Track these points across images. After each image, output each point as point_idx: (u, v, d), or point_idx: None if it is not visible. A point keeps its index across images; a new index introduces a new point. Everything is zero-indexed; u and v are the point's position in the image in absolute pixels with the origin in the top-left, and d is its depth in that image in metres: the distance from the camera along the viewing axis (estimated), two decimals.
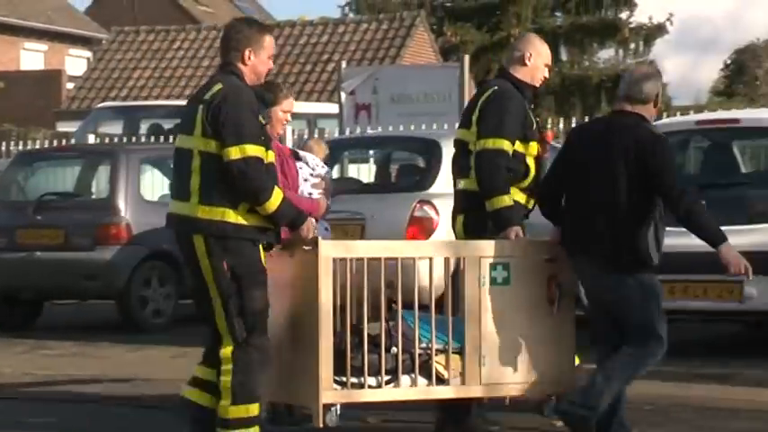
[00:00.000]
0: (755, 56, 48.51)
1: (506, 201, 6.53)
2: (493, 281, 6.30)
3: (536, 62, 6.84)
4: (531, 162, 6.73)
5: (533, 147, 6.75)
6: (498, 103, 6.67)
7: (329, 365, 5.93)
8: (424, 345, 6.15)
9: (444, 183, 10.34)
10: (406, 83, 15.68)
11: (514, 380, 6.33)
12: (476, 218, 6.66)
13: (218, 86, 5.84)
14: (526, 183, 6.72)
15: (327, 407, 6.05)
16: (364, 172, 13.57)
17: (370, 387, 6.06)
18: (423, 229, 9.99)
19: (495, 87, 6.78)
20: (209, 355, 5.97)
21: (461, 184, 6.81)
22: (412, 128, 13.66)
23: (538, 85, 6.92)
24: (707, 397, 7.65)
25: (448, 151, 10.67)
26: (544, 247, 6.43)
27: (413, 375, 6.12)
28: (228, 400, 5.79)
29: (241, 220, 5.78)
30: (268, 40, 6.02)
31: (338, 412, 6.47)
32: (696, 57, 79.56)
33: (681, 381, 8.07)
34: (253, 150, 5.75)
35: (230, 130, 5.74)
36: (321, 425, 5.97)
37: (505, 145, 6.59)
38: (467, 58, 15.99)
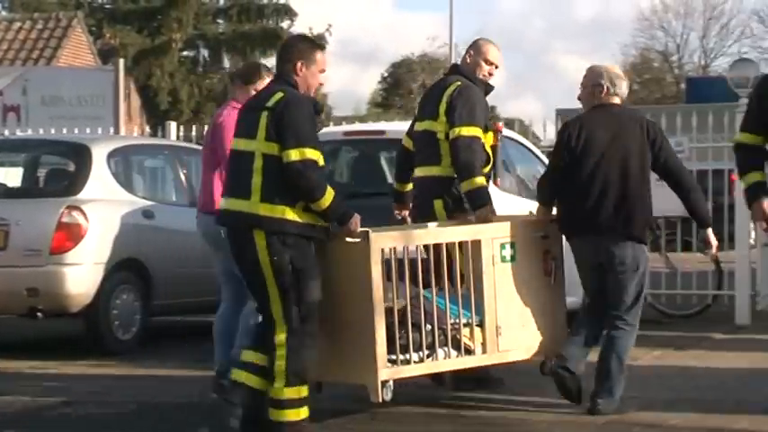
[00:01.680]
0: (410, 70, 50.36)
1: (481, 182, 7.33)
2: (503, 258, 7.03)
3: (475, 59, 7.67)
4: (489, 150, 7.52)
5: (491, 137, 7.60)
6: (467, 95, 7.43)
7: (384, 345, 6.49)
8: (452, 321, 6.80)
9: (95, 188, 10.13)
10: (58, 85, 15.26)
11: (523, 345, 7.13)
12: (453, 200, 7.47)
13: (279, 95, 6.38)
14: (487, 168, 7.53)
15: (384, 383, 6.54)
16: (12, 176, 13.06)
17: (414, 362, 6.68)
18: (71, 235, 9.71)
19: (459, 82, 7.51)
20: (259, 341, 6.44)
21: (434, 170, 7.50)
22: (64, 131, 13.29)
23: (482, 77, 7.67)
24: None
25: (99, 156, 10.51)
26: (539, 225, 7.23)
27: (446, 349, 6.78)
28: (282, 383, 6.31)
29: (298, 218, 6.30)
30: (320, 56, 6.60)
31: (392, 387, 6.72)
32: (357, 69, 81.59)
33: None
34: (311, 153, 6.28)
35: (291, 133, 6.27)
36: (380, 400, 6.54)
37: (479, 132, 7.39)
38: (122, 61, 15.71)
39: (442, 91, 7.53)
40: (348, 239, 6.51)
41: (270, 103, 6.36)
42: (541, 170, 11.03)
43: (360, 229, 6.46)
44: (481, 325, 6.92)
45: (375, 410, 7.04)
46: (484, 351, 6.95)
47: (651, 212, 7.16)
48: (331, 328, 6.56)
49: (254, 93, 7.23)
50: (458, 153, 7.34)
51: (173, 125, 14.74)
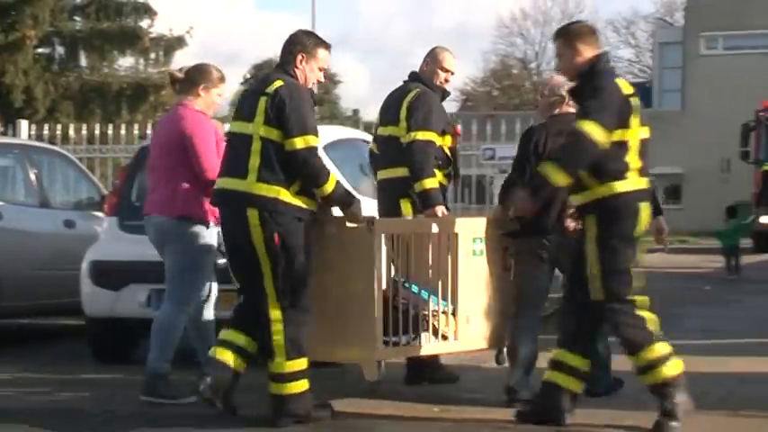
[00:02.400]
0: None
1: (433, 183, 7.68)
2: (474, 252, 7.47)
3: (432, 67, 8.04)
4: (447, 152, 7.93)
5: (449, 139, 7.97)
6: (424, 101, 7.82)
7: (381, 328, 6.87)
8: (433, 308, 7.25)
9: None
10: None
11: (485, 335, 7.54)
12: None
13: (278, 82, 6.67)
14: (446, 170, 7.94)
15: (378, 363, 6.94)
16: None
17: (402, 345, 7.08)
18: None
19: (417, 89, 7.90)
20: (239, 321, 6.72)
21: (400, 172, 7.85)
22: None
23: (438, 84, 8.04)
24: None
25: None
26: (500, 223, 7.49)
27: (427, 334, 7.21)
28: (283, 357, 6.58)
29: (290, 199, 6.62)
30: (322, 54, 6.89)
31: (383, 367, 7.08)
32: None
33: None
34: (314, 141, 6.61)
35: (294, 122, 6.57)
36: (375, 378, 6.89)
37: (433, 136, 7.75)
38: None
39: (402, 97, 7.93)
40: (350, 224, 6.84)
41: (269, 90, 6.66)
42: None
43: (364, 215, 6.84)
44: (454, 314, 7.35)
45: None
46: (455, 338, 7.38)
47: None
48: (328, 310, 6.88)
49: (218, 97, 7.67)
50: (412, 156, 7.75)
51: (24, 124, 14.43)
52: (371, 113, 57.95)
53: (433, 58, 8.14)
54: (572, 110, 7.32)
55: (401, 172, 7.88)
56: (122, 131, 16.87)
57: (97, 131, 17.69)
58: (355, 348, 6.95)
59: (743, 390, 8.10)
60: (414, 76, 8.15)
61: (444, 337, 7.35)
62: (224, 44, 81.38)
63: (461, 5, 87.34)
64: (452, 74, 8.21)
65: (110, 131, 16.81)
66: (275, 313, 6.61)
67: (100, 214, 10.39)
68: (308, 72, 6.85)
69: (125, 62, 35.72)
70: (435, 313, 7.28)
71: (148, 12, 35.00)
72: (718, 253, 21.33)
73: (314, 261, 6.74)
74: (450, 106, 63.10)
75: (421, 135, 7.76)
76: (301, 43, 6.86)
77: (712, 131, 41.07)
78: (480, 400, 7.54)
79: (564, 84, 7.42)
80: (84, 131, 16.83)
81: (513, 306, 7.49)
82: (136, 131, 17.16)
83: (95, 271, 9.13)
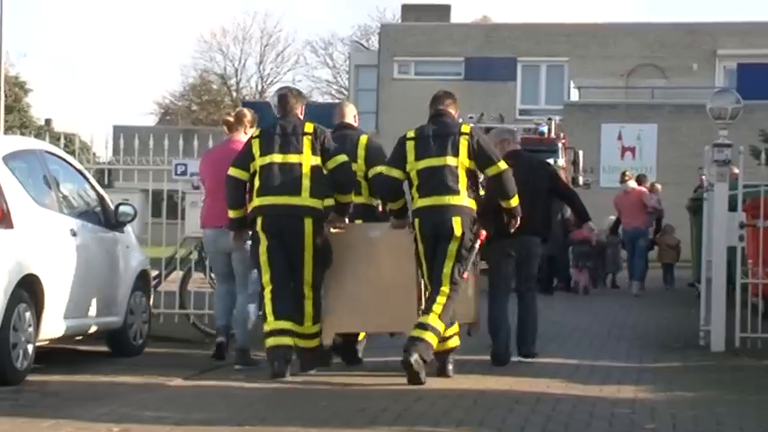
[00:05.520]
0: None
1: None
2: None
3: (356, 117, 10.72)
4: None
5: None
6: (377, 145, 10.58)
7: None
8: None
9: None
10: None
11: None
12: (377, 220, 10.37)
13: (310, 125, 9.70)
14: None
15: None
16: None
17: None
18: None
19: (367, 134, 10.50)
20: (288, 311, 9.51)
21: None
22: None
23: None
24: None
25: None
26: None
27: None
28: (310, 322, 9.61)
29: (324, 207, 9.61)
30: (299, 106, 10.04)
31: None
32: None
33: None
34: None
35: (333, 150, 9.68)
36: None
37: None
38: None
39: (357, 142, 10.22)
40: (396, 228, 9.72)
41: (308, 130, 9.63)
42: (87, 187, 10.85)
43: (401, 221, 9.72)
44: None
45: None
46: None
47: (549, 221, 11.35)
48: (379, 293, 9.55)
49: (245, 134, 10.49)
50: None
51: None
52: (64, 123, 56.36)
53: (356, 112, 10.64)
54: (518, 147, 11.11)
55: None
56: None
57: None
58: (402, 321, 9.43)
59: (419, 406, 8.23)
60: (351, 126, 10.46)
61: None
62: None
63: (161, 19, 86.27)
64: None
65: None
66: (308, 293, 9.55)
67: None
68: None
69: None
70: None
71: None
72: None
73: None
74: (149, 120, 62.13)
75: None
76: (299, 100, 10.08)
77: None
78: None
79: (507, 131, 11.18)
80: None
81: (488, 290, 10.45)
82: None
83: None
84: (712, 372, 10.39)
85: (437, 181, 9.42)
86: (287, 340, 9.39)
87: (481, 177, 9.78)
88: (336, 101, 51.51)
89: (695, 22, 42.34)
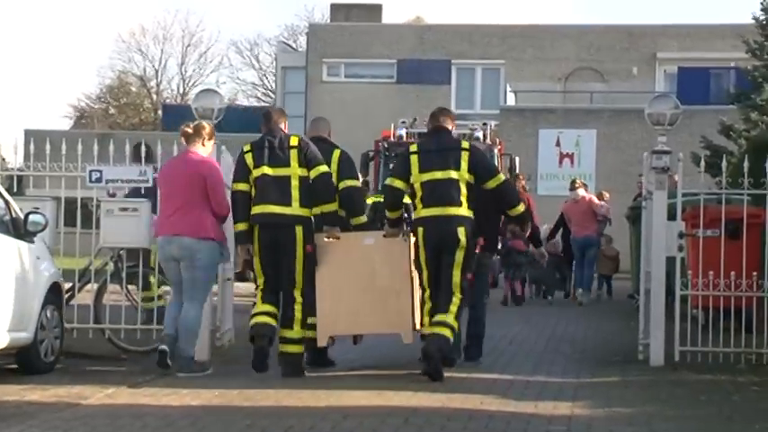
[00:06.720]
0: None
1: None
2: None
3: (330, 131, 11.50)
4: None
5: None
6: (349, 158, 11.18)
7: (417, 306, 10.34)
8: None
9: None
10: None
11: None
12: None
13: (295, 138, 10.56)
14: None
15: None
16: None
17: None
18: None
19: (339, 149, 11.01)
20: (275, 301, 10.52)
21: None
22: None
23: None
24: None
25: None
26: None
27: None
28: (299, 326, 10.41)
29: (311, 216, 10.51)
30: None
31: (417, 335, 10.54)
32: None
33: None
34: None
35: (316, 160, 10.49)
36: (412, 341, 10.42)
37: (357, 183, 11.18)
38: None
39: (330, 154, 10.80)
40: (389, 237, 10.50)
41: (293, 143, 10.48)
42: None
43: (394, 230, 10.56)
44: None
45: None
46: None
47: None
48: (374, 297, 10.26)
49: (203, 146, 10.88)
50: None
51: None
52: None
53: (330, 126, 11.33)
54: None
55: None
56: None
57: None
58: (396, 322, 10.23)
59: (347, 424, 8.12)
60: (325, 139, 11.01)
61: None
62: None
63: (76, 17, 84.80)
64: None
65: None
66: (298, 297, 10.38)
67: None
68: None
69: None
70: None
71: None
72: None
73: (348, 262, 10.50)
74: (63, 123, 60.30)
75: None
76: (281, 116, 10.86)
77: None
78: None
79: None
80: None
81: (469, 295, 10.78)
82: None
83: None
84: (651, 387, 10.31)
85: (441, 193, 10.36)
86: (271, 320, 10.41)
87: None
88: (263, 104, 50.92)
89: (634, 25, 42.31)
